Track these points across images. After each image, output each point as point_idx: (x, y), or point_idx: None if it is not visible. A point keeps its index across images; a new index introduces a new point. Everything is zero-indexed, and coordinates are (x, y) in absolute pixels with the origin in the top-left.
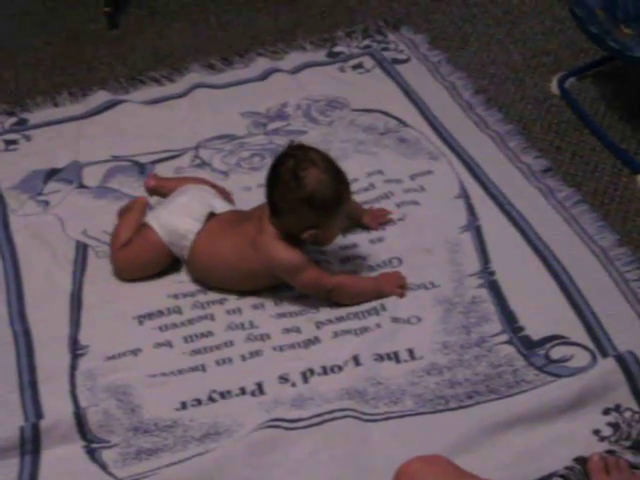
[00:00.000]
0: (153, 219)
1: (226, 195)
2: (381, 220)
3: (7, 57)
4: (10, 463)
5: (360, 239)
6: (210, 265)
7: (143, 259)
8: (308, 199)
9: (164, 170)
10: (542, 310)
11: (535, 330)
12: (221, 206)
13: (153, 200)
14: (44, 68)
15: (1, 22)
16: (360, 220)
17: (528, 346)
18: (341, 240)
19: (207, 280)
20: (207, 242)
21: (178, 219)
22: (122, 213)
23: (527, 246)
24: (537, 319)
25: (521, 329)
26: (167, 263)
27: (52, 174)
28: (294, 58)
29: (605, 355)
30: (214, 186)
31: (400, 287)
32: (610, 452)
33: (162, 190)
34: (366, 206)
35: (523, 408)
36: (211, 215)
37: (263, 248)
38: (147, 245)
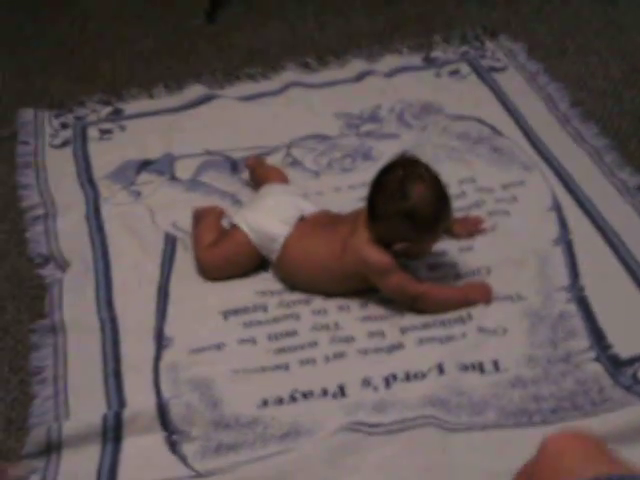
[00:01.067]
0: (242, 220)
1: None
2: (472, 229)
3: (105, 48)
4: (92, 450)
5: (449, 247)
6: (300, 266)
7: (232, 260)
8: (409, 212)
9: None
10: (632, 329)
11: (624, 348)
12: (309, 208)
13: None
14: (141, 60)
15: (100, 13)
16: (451, 229)
17: (616, 365)
18: None
19: (295, 282)
20: (298, 244)
21: (268, 222)
22: (198, 216)
23: (618, 263)
24: (626, 337)
25: (609, 347)
26: (256, 264)
27: (145, 165)
28: (390, 61)
29: None
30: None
31: (487, 295)
32: None
33: (256, 172)
34: (457, 214)
35: (608, 427)
36: (301, 218)
37: (354, 248)
38: (236, 246)
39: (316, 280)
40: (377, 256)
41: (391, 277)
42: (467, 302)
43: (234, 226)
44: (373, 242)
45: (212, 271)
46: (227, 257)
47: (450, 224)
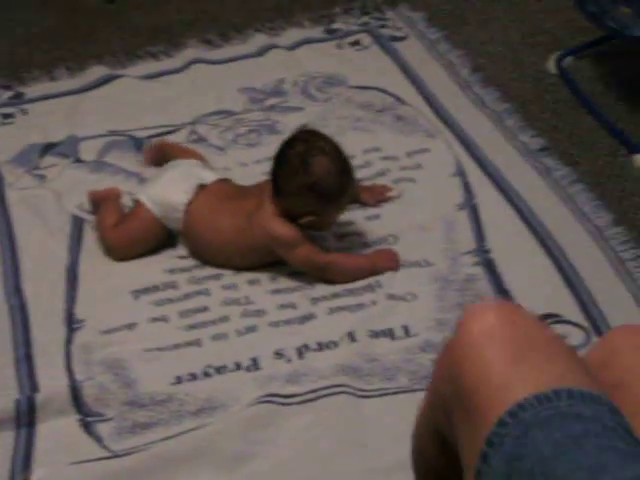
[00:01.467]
0: (143, 195)
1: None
2: (380, 197)
3: (3, 30)
4: (6, 435)
5: (356, 216)
6: (206, 239)
7: (138, 236)
8: (312, 186)
9: None
10: (537, 288)
11: (530, 308)
12: (209, 176)
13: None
14: (41, 42)
15: None
16: (358, 197)
17: None
18: None
19: (203, 253)
20: (202, 214)
21: (168, 192)
22: (95, 200)
23: (523, 225)
24: (532, 297)
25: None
26: (162, 238)
27: (48, 148)
28: (292, 34)
29: (599, 333)
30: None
31: (394, 262)
32: None
33: (159, 157)
34: (364, 183)
35: None
36: (201, 187)
37: (260, 223)
38: (141, 222)
39: (223, 253)
40: (282, 229)
41: (298, 250)
42: (375, 270)
43: (137, 202)
44: (279, 216)
45: (119, 251)
46: (133, 234)
47: (356, 194)
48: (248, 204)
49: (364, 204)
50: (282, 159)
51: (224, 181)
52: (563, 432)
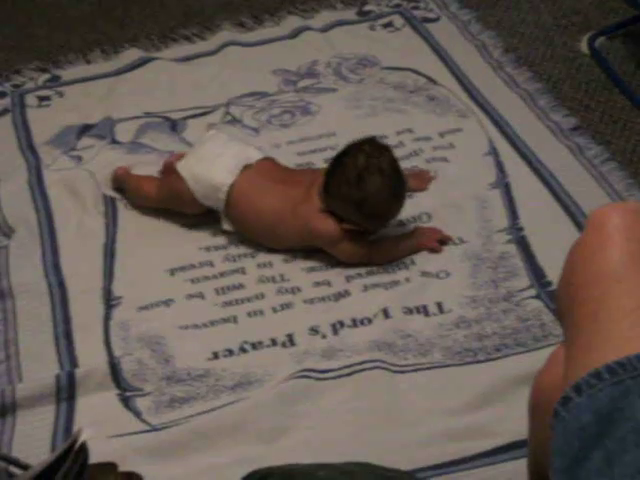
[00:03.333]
0: (185, 171)
1: None
2: (427, 180)
3: (39, 15)
4: (47, 410)
5: None
6: (248, 219)
7: (173, 200)
8: (359, 202)
9: (196, 126)
10: None
11: None
12: (254, 154)
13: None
14: (76, 26)
15: None
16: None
17: None
18: None
19: (243, 231)
20: (245, 194)
21: (212, 171)
22: (121, 177)
23: (556, 203)
24: None
25: (549, 284)
26: (198, 212)
27: (85, 130)
28: (324, 17)
29: None
30: None
31: (438, 241)
32: None
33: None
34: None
35: None
36: (246, 166)
37: (304, 215)
38: (178, 198)
39: (260, 235)
40: (325, 226)
41: (341, 245)
42: (419, 246)
43: (177, 175)
44: (323, 212)
45: (152, 200)
46: (169, 196)
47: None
48: (295, 192)
49: (413, 191)
50: (340, 163)
51: (268, 159)
52: None
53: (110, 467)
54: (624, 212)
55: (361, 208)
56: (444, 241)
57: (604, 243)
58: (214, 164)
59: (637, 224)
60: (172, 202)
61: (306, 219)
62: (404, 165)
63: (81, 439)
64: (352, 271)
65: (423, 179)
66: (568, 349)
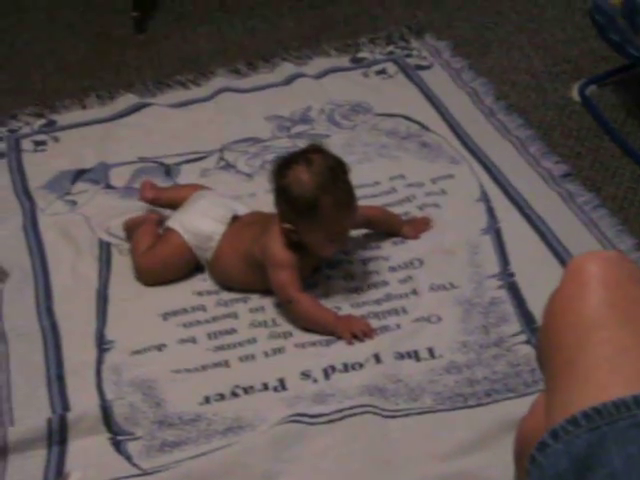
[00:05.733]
0: (176, 223)
1: None
2: (422, 230)
3: (35, 59)
4: (38, 453)
5: (382, 240)
6: (228, 263)
7: (168, 262)
8: (282, 189)
9: (190, 171)
10: None
11: None
12: (242, 209)
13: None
14: (72, 71)
15: (30, 25)
16: (400, 232)
17: None
18: (363, 241)
19: (227, 281)
20: (228, 243)
21: (203, 222)
22: (132, 226)
23: (546, 249)
24: None
25: (539, 330)
26: (191, 266)
27: (80, 175)
28: (318, 63)
29: None
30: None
31: (354, 336)
32: None
33: (160, 201)
34: (391, 209)
35: None
36: (234, 218)
37: (265, 237)
38: (172, 248)
39: (241, 276)
40: (275, 249)
41: (279, 272)
42: (335, 330)
43: (169, 229)
44: (282, 237)
45: (149, 275)
46: (164, 260)
47: (388, 216)
48: (262, 226)
49: (406, 237)
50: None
51: (256, 212)
52: (639, 445)
53: None
54: (602, 260)
55: (285, 198)
56: (359, 336)
57: (582, 291)
58: (205, 215)
59: (615, 272)
60: (165, 255)
61: (264, 240)
62: (397, 211)
63: None
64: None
65: (417, 228)
66: (548, 396)
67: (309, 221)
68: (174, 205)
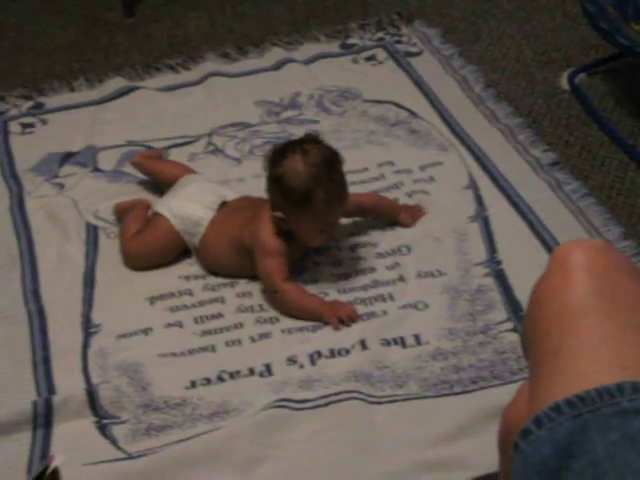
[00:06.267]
0: (164, 208)
1: None
2: (418, 216)
3: (24, 42)
4: (23, 437)
5: (370, 227)
6: (215, 250)
7: (155, 247)
8: (275, 178)
9: (178, 155)
10: None
11: None
12: (231, 194)
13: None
14: (61, 54)
15: (18, 8)
16: (397, 218)
17: None
18: (352, 227)
19: (214, 266)
20: (215, 228)
21: (191, 207)
22: (121, 211)
23: (534, 237)
24: None
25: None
26: (179, 251)
27: (67, 158)
28: (308, 49)
29: None
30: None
31: (340, 321)
32: None
33: (149, 169)
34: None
35: None
36: (223, 204)
37: (254, 224)
38: (160, 233)
39: (227, 262)
40: (265, 235)
41: (267, 260)
42: (321, 317)
43: (156, 214)
44: (272, 225)
45: (137, 260)
46: (151, 245)
47: (387, 202)
48: (251, 212)
49: (404, 225)
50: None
51: (245, 197)
52: (620, 432)
53: None
54: (586, 248)
55: (279, 186)
56: (344, 321)
57: (566, 279)
58: (193, 201)
59: (599, 260)
60: (152, 240)
61: (255, 226)
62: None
63: (53, 465)
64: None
65: (414, 215)
66: (532, 383)
67: (300, 211)
68: (160, 179)
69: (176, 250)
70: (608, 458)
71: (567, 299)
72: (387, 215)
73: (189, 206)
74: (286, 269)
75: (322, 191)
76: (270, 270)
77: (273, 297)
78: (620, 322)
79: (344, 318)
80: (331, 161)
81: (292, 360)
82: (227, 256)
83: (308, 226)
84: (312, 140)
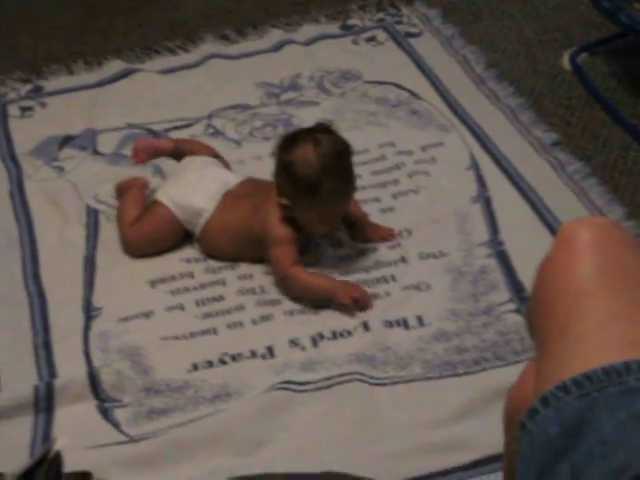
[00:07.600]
0: (165, 196)
1: (225, 165)
2: (383, 237)
3: (23, 25)
4: (25, 420)
5: (371, 209)
6: (218, 237)
7: (156, 236)
8: (284, 165)
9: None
10: None
11: None
12: (233, 179)
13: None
14: (60, 37)
15: None
16: (364, 233)
17: None
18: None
19: (215, 253)
20: (219, 217)
21: (193, 197)
22: (121, 190)
23: (536, 217)
24: None
25: (528, 298)
26: (180, 238)
27: (67, 140)
28: (308, 30)
29: None
30: (216, 155)
31: (353, 299)
32: None
33: (178, 151)
34: (379, 176)
35: None
36: (226, 193)
37: (262, 212)
38: (160, 222)
39: (230, 248)
40: (274, 223)
41: (276, 247)
42: (334, 299)
43: (157, 202)
44: (281, 211)
45: (137, 248)
46: (151, 234)
47: (362, 226)
48: (259, 198)
49: (368, 240)
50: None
51: (246, 181)
52: (628, 410)
53: (85, 476)
54: (592, 227)
55: (288, 174)
56: (358, 300)
57: (572, 258)
58: (195, 190)
59: (605, 239)
60: (153, 229)
61: (263, 214)
62: (386, 178)
63: (55, 448)
64: None
65: (380, 232)
66: (538, 363)
67: (307, 200)
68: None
69: (177, 238)
70: (616, 437)
71: (573, 277)
72: (360, 231)
73: (191, 196)
74: (296, 255)
75: (331, 182)
76: (279, 256)
77: (283, 284)
78: (626, 300)
79: (358, 297)
80: (342, 153)
81: (294, 342)
82: (230, 245)
83: (313, 216)
84: (324, 130)
